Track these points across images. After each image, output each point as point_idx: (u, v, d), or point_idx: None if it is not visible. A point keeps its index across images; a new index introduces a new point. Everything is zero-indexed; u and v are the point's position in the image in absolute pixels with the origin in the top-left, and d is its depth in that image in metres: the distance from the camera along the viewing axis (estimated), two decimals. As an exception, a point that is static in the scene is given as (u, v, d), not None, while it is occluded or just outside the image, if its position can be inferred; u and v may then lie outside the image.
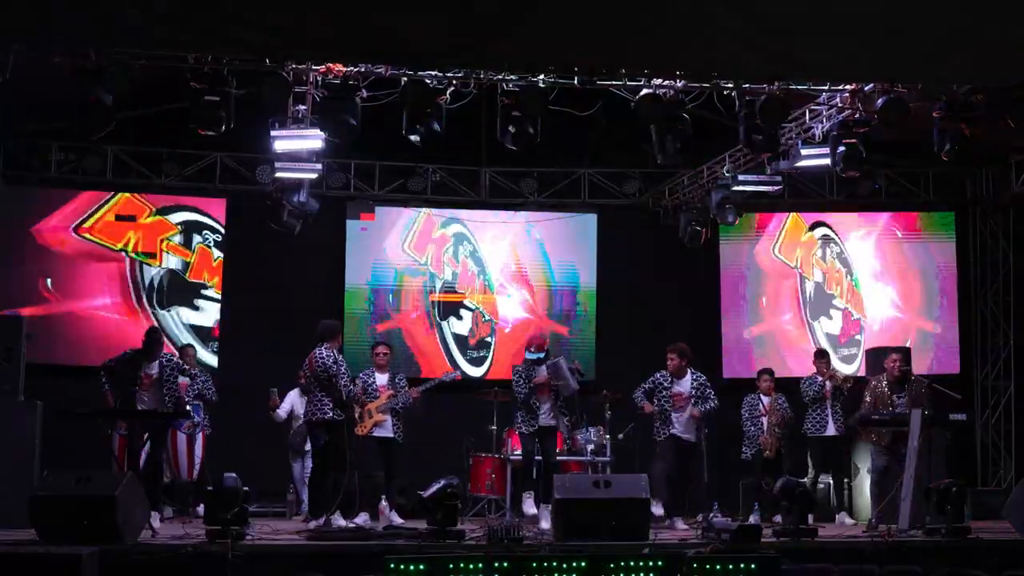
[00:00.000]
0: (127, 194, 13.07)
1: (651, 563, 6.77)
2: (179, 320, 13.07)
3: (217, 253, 13.29)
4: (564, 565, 6.72)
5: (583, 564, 6.70)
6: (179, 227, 13.20)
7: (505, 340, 13.68)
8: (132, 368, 9.53)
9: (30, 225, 12.81)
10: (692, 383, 10.19)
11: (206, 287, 13.25)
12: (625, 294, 13.70)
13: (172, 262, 13.19)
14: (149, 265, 13.10)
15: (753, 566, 6.77)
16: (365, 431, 10.01)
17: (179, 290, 13.15)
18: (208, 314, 13.21)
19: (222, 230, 13.30)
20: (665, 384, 10.16)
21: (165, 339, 10.78)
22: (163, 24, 7.66)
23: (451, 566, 6.62)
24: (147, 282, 13.07)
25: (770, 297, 13.96)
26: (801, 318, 13.94)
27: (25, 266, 12.83)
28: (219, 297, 13.24)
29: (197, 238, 13.27)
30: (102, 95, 8.87)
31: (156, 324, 12.49)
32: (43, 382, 10.68)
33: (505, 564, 6.68)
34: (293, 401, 11.21)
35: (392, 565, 6.60)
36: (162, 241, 13.16)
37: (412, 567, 6.59)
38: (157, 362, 9.57)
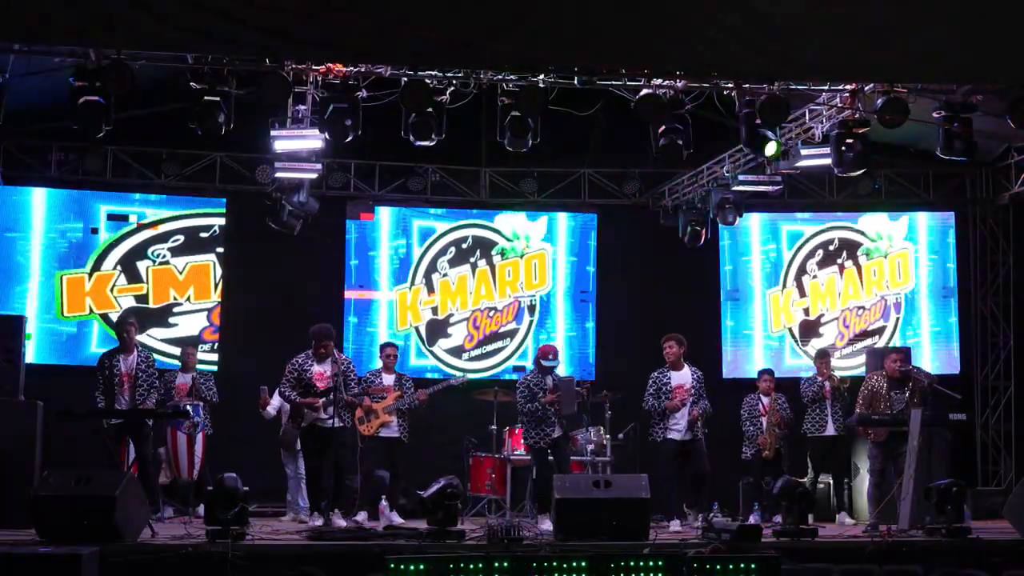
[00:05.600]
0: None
1: (651, 563, 6.78)
2: (157, 339, 12.81)
3: (180, 263, 13.17)
4: (564, 565, 6.73)
5: (583, 564, 6.71)
6: (117, 266, 13.01)
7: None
8: (103, 370, 9.53)
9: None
10: (692, 376, 10.13)
11: (178, 303, 13.13)
12: (625, 294, 13.70)
13: (127, 302, 12.96)
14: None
15: (753, 566, 6.78)
16: (371, 431, 10.03)
17: (145, 319, 12.63)
18: (189, 325, 13.09)
19: (177, 240, 13.14)
20: (664, 380, 10.11)
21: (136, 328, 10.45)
22: (163, 24, 7.66)
23: (451, 566, 6.63)
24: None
25: (770, 297, 13.97)
26: (800, 317, 13.94)
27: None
28: (199, 307, 13.13)
29: (146, 263, 13.09)
30: (102, 95, 8.89)
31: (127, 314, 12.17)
32: (43, 382, 10.69)
33: (505, 564, 6.69)
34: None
35: (393, 565, 6.61)
36: (111, 289, 12.98)
37: (412, 567, 6.60)
38: (134, 355, 9.54)
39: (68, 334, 12.85)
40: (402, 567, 6.60)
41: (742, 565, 6.80)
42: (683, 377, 10.11)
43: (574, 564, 6.72)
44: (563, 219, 13.93)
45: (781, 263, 13.97)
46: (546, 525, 9.46)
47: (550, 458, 10.20)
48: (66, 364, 12.59)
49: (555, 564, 6.72)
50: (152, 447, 10.17)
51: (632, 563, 6.75)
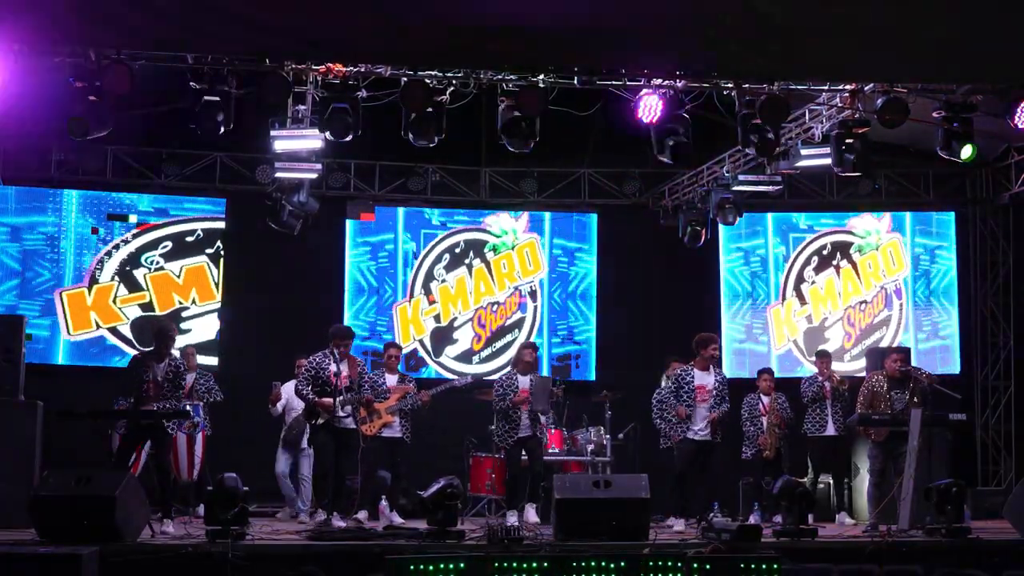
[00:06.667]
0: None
1: (651, 563, 6.78)
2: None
3: (176, 268, 13.13)
4: (564, 565, 6.73)
5: (583, 564, 6.71)
6: (115, 277, 12.97)
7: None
8: (137, 375, 9.07)
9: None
10: (716, 378, 10.01)
11: (184, 307, 13.07)
12: (625, 294, 13.69)
13: (133, 312, 12.93)
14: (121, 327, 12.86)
15: (753, 566, 6.78)
16: (373, 431, 10.03)
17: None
18: (202, 329, 13.05)
19: (166, 246, 13.11)
20: (687, 379, 9.99)
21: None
22: (163, 24, 7.67)
23: (451, 566, 6.63)
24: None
25: (771, 297, 13.96)
26: (804, 327, 13.94)
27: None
28: (207, 308, 13.10)
29: (142, 270, 13.05)
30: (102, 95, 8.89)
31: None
32: (43, 382, 10.68)
33: (505, 564, 6.69)
34: (289, 394, 11.09)
35: (393, 565, 6.61)
36: (114, 300, 12.93)
37: (412, 567, 6.60)
38: (165, 364, 9.25)
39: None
40: (403, 567, 6.60)
41: (742, 565, 6.81)
42: (706, 378, 9.99)
43: (574, 564, 6.73)
44: (595, 220, 13.94)
45: (768, 264, 13.93)
46: (532, 515, 9.66)
47: (523, 456, 10.19)
48: (66, 364, 12.63)
49: (555, 564, 6.73)
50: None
51: (670, 563, 6.75)
